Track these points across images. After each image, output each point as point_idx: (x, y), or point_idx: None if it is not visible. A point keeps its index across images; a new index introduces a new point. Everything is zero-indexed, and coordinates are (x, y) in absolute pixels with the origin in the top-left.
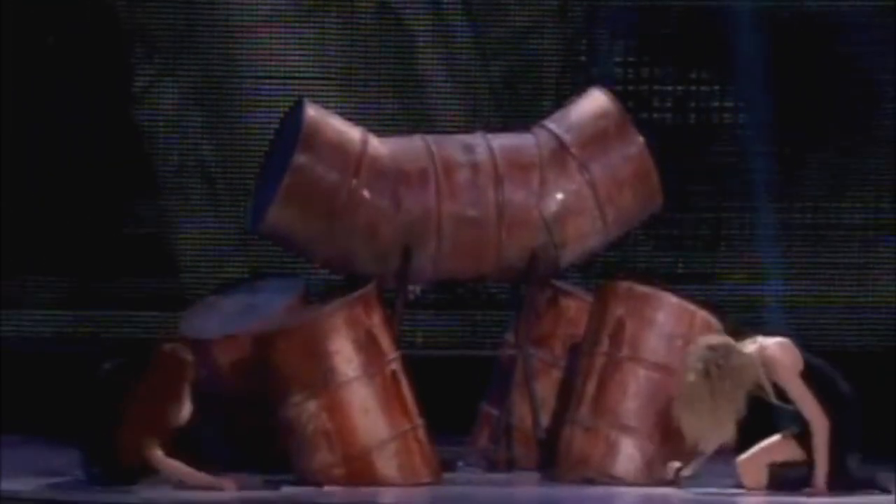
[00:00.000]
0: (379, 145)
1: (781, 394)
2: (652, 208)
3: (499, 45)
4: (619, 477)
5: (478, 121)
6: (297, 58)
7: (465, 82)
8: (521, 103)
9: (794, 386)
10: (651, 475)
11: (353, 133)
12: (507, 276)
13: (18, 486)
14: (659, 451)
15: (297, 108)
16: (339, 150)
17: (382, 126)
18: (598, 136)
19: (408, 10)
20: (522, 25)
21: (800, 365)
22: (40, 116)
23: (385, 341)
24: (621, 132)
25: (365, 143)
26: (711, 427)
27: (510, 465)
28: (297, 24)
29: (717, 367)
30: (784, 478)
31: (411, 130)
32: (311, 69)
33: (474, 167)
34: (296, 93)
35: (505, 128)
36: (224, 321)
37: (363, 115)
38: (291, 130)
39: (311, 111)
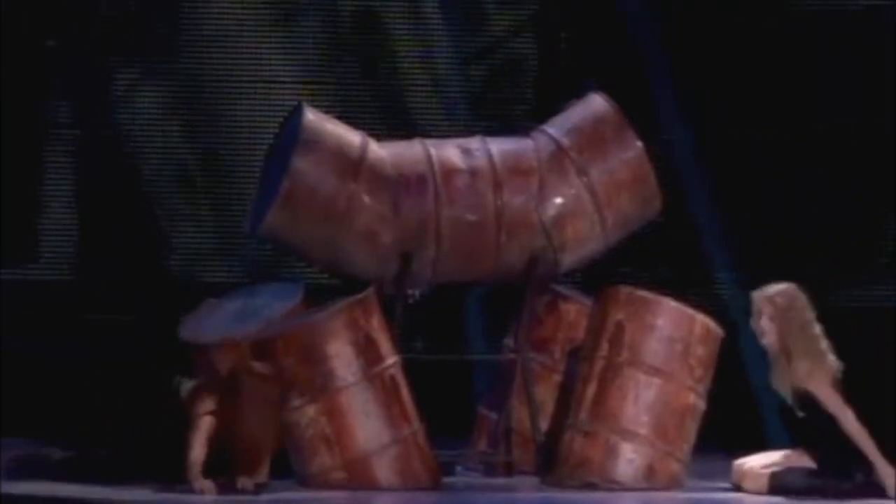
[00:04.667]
0: (378, 150)
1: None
2: (651, 213)
3: (478, 50)
4: (619, 481)
5: (457, 125)
6: (277, 63)
7: (444, 87)
8: (499, 108)
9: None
10: (651, 479)
11: (352, 137)
12: (507, 279)
13: (19, 488)
14: (659, 456)
15: (297, 112)
16: (338, 154)
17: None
18: (596, 141)
19: (388, 16)
20: (501, 29)
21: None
22: (31, 116)
23: (384, 345)
24: (620, 136)
25: (364, 147)
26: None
27: (509, 470)
28: (277, 30)
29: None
30: (784, 482)
31: (391, 135)
32: (291, 74)
33: (473, 171)
34: (276, 98)
35: (503, 132)
36: (223, 325)
37: (344, 120)
38: (290, 134)
39: (311, 115)
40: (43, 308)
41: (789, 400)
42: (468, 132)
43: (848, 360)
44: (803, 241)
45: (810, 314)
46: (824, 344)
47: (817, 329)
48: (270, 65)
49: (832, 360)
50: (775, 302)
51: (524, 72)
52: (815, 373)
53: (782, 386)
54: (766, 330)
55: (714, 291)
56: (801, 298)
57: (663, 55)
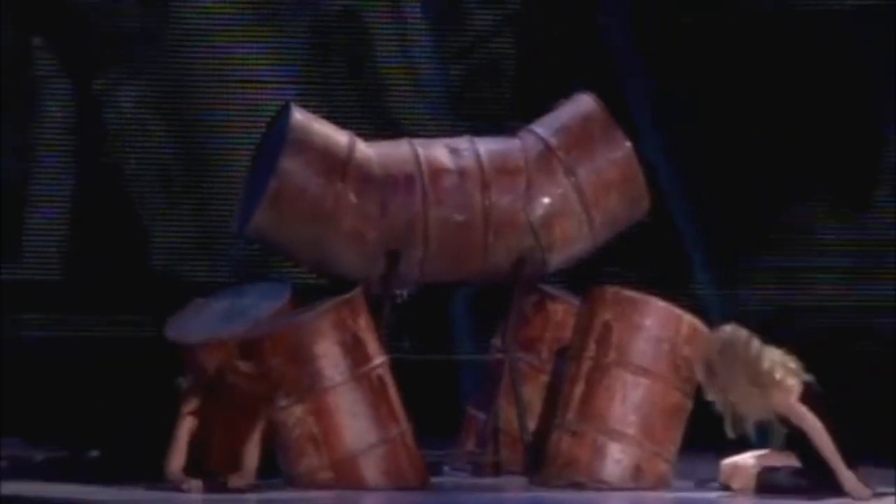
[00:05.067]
0: (366, 149)
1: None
2: (639, 212)
3: (458, 49)
4: (607, 481)
5: (443, 125)
6: (263, 63)
7: (425, 86)
8: (481, 107)
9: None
10: (638, 479)
11: (339, 137)
12: (494, 279)
13: (18, 488)
14: (646, 456)
15: (284, 111)
16: (325, 154)
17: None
18: (584, 140)
19: (369, 15)
20: (482, 29)
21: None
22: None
23: (371, 345)
24: (608, 136)
25: (352, 147)
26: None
27: (497, 470)
28: (264, 30)
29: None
30: (771, 481)
31: (379, 135)
32: (277, 74)
33: (461, 171)
34: (262, 98)
35: (490, 131)
36: (210, 325)
37: (331, 120)
38: (278, 134)
39: (298, 115)
40: (33, 308)
41: (753, 438)
42: (453, 131)
43: (846, 360)
44: (792, 239)
45: (756, 350)
46: (779, 373)
47: (766, 363)
48: (257, 64)
49: (791, 379)
50: (725, 355)
51: (504, 71)
52: (773, 399)
53: (747, 427)
54: (729, 386)
55: (702, 291)
56: (742, 338)
57: (643, 55)
